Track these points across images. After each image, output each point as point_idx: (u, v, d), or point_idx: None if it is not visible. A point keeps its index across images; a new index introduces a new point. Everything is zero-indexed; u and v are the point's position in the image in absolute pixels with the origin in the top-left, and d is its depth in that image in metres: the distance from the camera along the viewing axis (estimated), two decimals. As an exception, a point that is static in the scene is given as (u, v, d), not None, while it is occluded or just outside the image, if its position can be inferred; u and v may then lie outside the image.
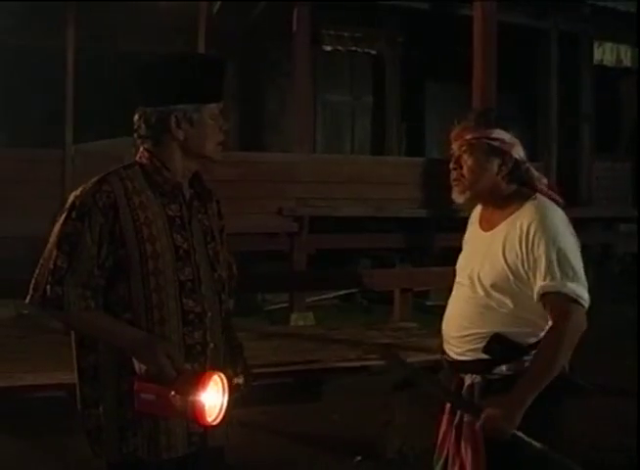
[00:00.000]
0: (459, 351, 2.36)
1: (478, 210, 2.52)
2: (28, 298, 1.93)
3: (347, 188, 8.90)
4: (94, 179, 1.99)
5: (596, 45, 11.00)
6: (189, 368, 1.91)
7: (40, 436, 4.39)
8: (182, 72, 2.03)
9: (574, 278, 2.17)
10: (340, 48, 11.02)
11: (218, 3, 9.16)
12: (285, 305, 8.67)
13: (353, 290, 9.16)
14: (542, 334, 2.24)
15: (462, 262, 2.48)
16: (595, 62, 11.06)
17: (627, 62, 11.19)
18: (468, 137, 2.29)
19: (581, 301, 2.17)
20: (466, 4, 9.22)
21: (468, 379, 2.35)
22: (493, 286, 2.27)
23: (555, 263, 2.16)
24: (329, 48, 10.90)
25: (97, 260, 1.92)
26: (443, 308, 2.54)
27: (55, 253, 1.91)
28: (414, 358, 3.87)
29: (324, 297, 9.36)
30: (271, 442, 4.58)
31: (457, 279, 2.47)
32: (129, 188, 1.98)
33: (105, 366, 1.99)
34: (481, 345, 2.29)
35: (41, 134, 8.26)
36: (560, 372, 2.20)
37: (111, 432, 1.98)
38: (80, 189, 1.98)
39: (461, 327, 2.35)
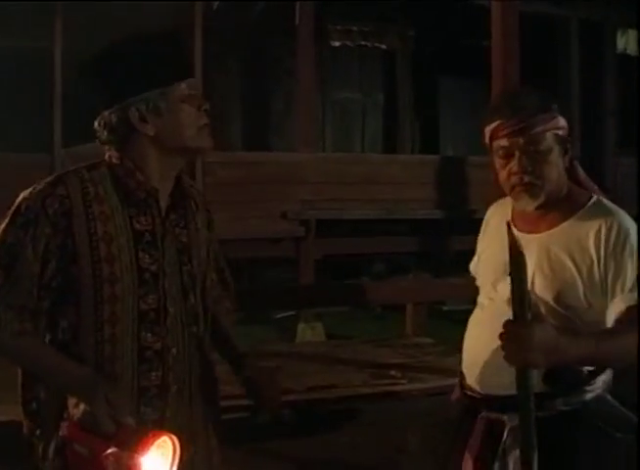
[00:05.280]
0: (499, 383, 1.88)
1: (498, 209, 2.13)
2: None
3: (357, 189, 8.44)
4: (48, 179, 1.68)
5: (619, 33, 10.54)
6: (132, 423, 1.51)
7: None
8: (128, 57, 1.70)
9: None
10: (348, 43, 10.72)
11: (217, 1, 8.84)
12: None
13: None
14: None
15: (489, 274, 2.03)
16: (618, 51, 10.58)
17: (653, 50, 10.70)
18: (537, 130, 1.89)
19: None
20: (481, -7, 8.80)
21: (511, 419, 1.87)
22: (556, 299, 1.84)
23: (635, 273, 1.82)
24: (337, 44, 10.60)
25: (39, 280, 1.61)
26: (461, 314, 2.17)
27: None
28: (431, 383, 3.37)
29: (335, 304, 9.01)
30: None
31: (486, 295, 2.03)
32: (90, 193, 1.65)
33: (47, 402, 1.66)
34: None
35: (28, 138, 7.88)
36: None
37: None
38: (31, 189, 1.64)
39: (502, 354, 1.86)
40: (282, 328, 8.18)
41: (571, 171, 2.00)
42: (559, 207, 1.93)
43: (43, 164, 7.20)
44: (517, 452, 1.84)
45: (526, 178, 1.90)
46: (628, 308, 1.79)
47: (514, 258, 1.66)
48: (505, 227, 1.94)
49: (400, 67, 11.07)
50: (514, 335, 1.64)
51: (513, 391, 1.81)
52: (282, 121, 10.13)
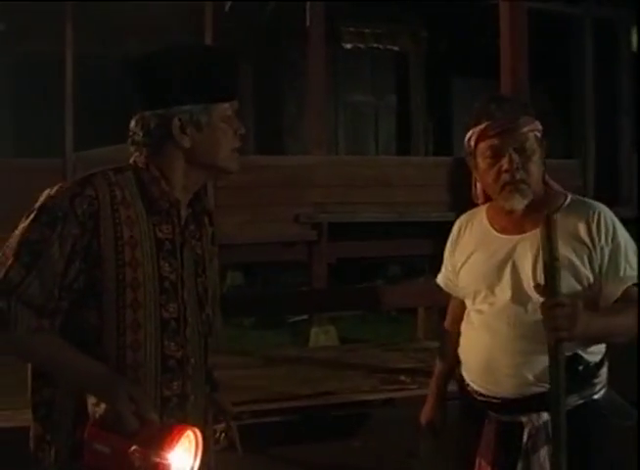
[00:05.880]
0: (516, 385, 1.93)
1: (471, 218, 2.21)
2: None
3: (370, 192, 8.35)
4: (76, 179, 1.67)
5: (633, 31, 10.40)
6: (156, 419, 1.51)
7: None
8: (184, 66, 1.70)
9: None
10: (360, 45, 10.73)
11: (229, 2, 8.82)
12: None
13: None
14: (604, 349, 1.99)
15: (479, 281, 2.06)
16: (633, 49, 10.44)
17: (669, 48, 10.57)
18: (524, 130, 1.99)
19: None
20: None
21: (532, 420, 1.91)
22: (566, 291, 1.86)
23: (630, 252, 1.97)
24: (349, 46, 10.62)
25: (61, 280, 1.57)
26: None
27: (10, 261, 1.56)
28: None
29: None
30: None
31: (483, 301, 2.05)
32: (117, 196, 1.64)
33: (60, 405, 1.63)
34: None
35: (40, 142, 7.87)
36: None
37: None
38: (57, 188, 1.61)
39: (517, 354, 1.92)
40: (295, 332, 8.16)
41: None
42: (540, 206, 1.98)
43: (55, 168, 7.20)
44: (539, 453, 1.89)
45: (518, 175, 1.96)
46: (625, 290, 1.92)
47: (549, 241, 1.74)
48: (488, 233, 2.10)
49: (413, 68, 11.05)
50: (565, 311, 1.73)
51: (530, 391, 1.89)
52: (295, 124, 10.10)
